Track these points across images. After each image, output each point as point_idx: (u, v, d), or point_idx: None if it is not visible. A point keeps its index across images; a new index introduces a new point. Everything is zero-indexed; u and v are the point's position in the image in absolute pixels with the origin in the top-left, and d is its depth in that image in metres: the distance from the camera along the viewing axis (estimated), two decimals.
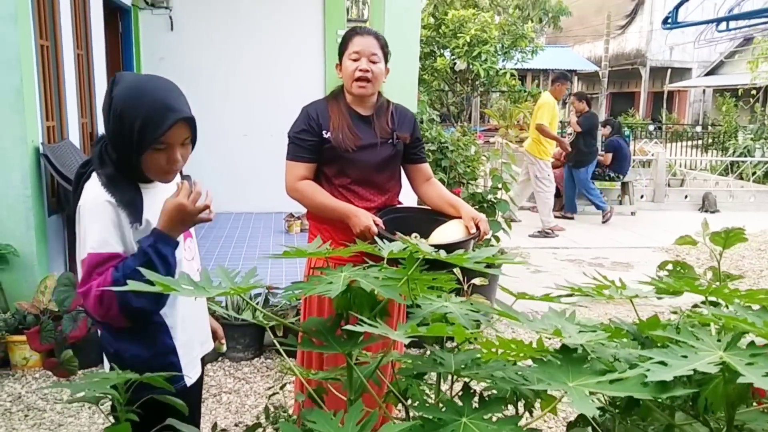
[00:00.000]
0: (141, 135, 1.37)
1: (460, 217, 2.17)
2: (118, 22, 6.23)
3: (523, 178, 7.25)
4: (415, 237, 2.15)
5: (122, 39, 6.32)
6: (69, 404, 2.84)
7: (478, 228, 2.08)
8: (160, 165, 1.43)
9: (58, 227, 3.94)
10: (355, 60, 2.10)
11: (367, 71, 2.09)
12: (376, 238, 1.34)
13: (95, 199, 1.39)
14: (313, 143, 2.11)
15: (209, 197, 1.45)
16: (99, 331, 1.56)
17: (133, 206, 1.42)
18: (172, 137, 1.41)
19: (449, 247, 2.03)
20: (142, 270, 1.01)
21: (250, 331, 3.31)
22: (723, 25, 6.76)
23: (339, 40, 7.28)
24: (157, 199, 1.50)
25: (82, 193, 1.42)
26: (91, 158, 1.48)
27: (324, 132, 2.11)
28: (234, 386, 3.11)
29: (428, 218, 2.23)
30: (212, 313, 3.34)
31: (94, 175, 1.43)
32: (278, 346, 1.22)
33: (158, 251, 1.38)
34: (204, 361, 1.69)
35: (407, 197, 2.41)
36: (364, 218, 2.02)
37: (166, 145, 1.41)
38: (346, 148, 2.10)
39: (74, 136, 4.48)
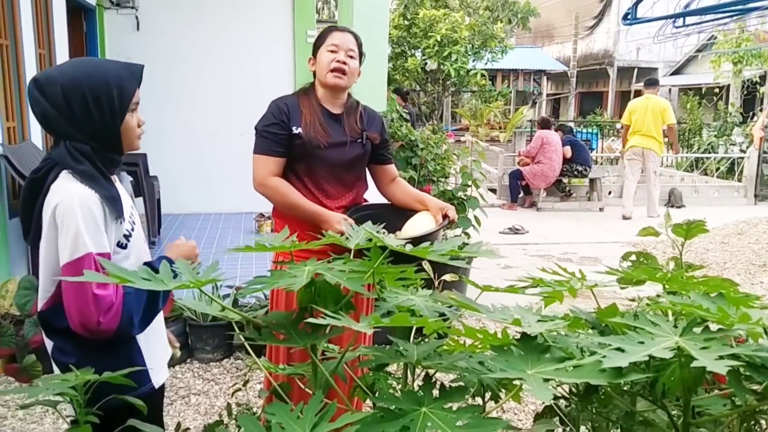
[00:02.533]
0: (121, 98, 1.40)
1: (428, 210, 2.19)
2: (82, 21, 6.11)
3: (634, 177, 8.13)
4: (383, 232, 2.16)
5: (87, 39, 6.20)
6: (31, 410, 2.77)
7: (446, 217, 2.12)
8: (135, 130, 1.47)
9: (20, 230, 3.84)
10: (332, 52, 2.11)
11: (344, 63, 2.10)
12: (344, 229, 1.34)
13: (82, 195, 1.34)
14: (283, 137, 2.09)
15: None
16: (51, 346, 1.47)
17: (116, 201, 1.40)
18: (137, 94, 1.46)
19: (418, 240, 2.06)
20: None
21: (219, 331, 3.27)
22: (680, 22, 6.94)
23: (309, 40, 7.22)
24: (122, 198, 1.49)
25: (55, 192, 1.36)
26: (45, 164, 1.41)
27: (294, 127, 2.10)
28: (203, 387, 3.07)
29: (396, 214, 2.25)
30: (180, 315, 3.29)
31: (64, 174, 1.37)
32: (243, 341, 1.21)
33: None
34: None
35: (373, 198, 2.41)
36: (336, 223, 2.01)
37: (136, 104, 1.46)
38: (318, 144, 2.09)
39: (36, 137, 4.38)
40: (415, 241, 2.05)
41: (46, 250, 1.39)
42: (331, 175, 2.16)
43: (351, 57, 2.13)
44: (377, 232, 2.17)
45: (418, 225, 2.13)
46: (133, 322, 1.38)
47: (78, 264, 1.32)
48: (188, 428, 1.60)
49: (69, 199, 1.34)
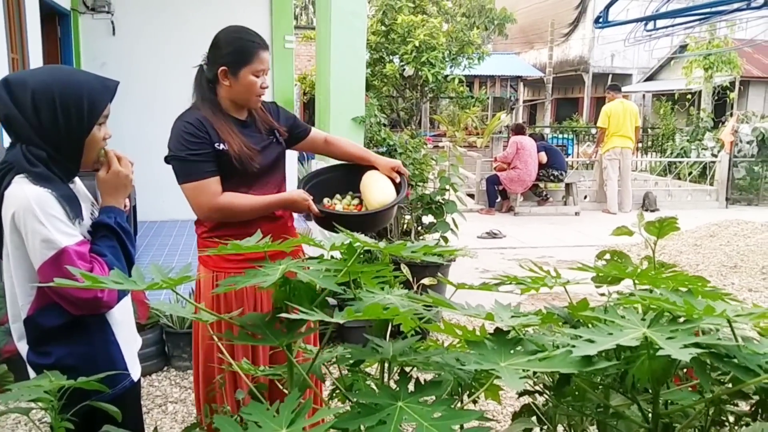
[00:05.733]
0: (91, 111, 1.39)
1: (374, 167, 2.25)
2: (57, 26, 6.04)
3: (616, 176, 8.78)
4: (351, 195, 2.22)
5: (61, 44, 6.12)
6: (3, 420, 2.72)
7: (401, 174, 2.20)
8: (99, 144, 1.45)
9: None
10: (257, 76, 1.98)
11: (266, 88, 2.03)
12: (322, 231, 1.35)
13: (36, 195, 1.32)
14: (211, 154, 1.94)
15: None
16: (26, 351, 1.45)
17: (73, 201, 1.39)
18: (108, 109, 1.45)
19: (391, 208, 2.12)
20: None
21: None
22: (651, 25, 7.11)
23: (287, 45, 7.14)
24: (80, 197, 1.49)
25: (10, 199, 1.33)
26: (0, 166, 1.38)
27: (217, 144, 1.94)
28: (180, 395, 3.04)
29: (347, 172, 2.30)
30: (156, 322, 3.25)
31: (17, 179, 1.34)
32: (218, 342, 1.21)
33: (121, 226, 1.45)
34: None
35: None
36: (301, 201, 2.01)
37: (105, 118, 1.44)
38: (251, 168, 1.98)
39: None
40: (389, 207, 2.12)
41: (15, 258, 1.37)
42: (260, 182, 2.04)
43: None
44: (349, 197, 2.23)
45: (381, 186, 2.17)
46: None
47: (54, 263, 1.31)
48: None
49: (25, 202, 1.32)
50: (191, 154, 1.93)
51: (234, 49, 1.99)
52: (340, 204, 2.22)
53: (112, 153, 1.49)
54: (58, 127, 1.36)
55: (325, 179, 2.27)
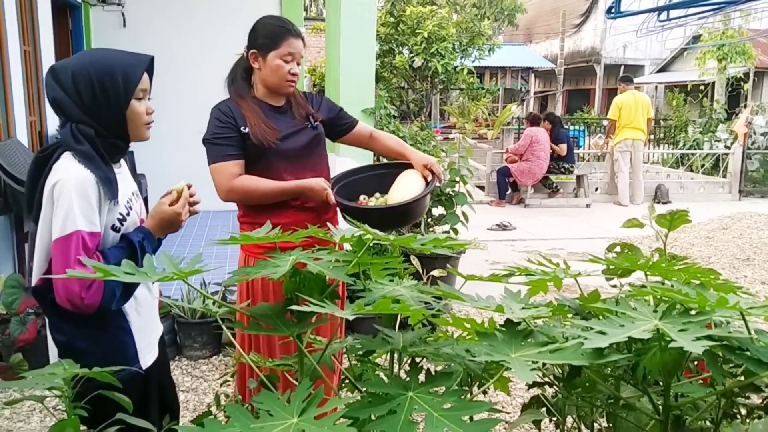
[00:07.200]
0: (126, 83, 1.47)
1: (409, 163, 2.24)
2: (68, 18, 6.06)
3: (627, 168, 8.69)
4: (377, 197, 2.19)
5: (72, 36, 6.15)
6: (18, 408, 2.76)
7: (433, 174, 2.17)
8: (142, 116, 1.52)
9: (5, 228, 3.81)
10: (287, 61, 2.05)
11: (297, 75, 2.09)
12: (334, 225, 1.36)
13: (79, 175, 1.41)
14: (236, 138, 2.03)
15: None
16: (47, 320, 1.53)
17: (111, 183, 1.45)
18: (145, 82, 1.52)
19: (413, 203, 2.09)
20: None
21: (208, 328, 3.27)
22: (664, 15, 7.03)
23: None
24: (122, 183, 1.54)
25: (56, 171, 1.43)
26: (52, 144, 1.49)
27: (243, 128, 2.03)
28: (192, 384, 3.07)
29: (380, 173, 2.28)
30: (168, 312, 3.28)
31: (66, 155, 1.45)
32: (228, 333, 1.22)
33: (144, 249, 1.49)
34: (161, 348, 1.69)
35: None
36: (319, 189, 2.02)
37: (143, 92, 1.51)
38: (268, 144, 2.03)
39: (22, 134, 4.34)
40: (409, 204, 2.09)
41: (42, 226, 1.44)
42: (292, 165, 2.09)
43: (299, 64, 2.10)
44: (375, 198, 2.23)
45: (408, 186, 2.14)
46: (116, 294, 1.43)
47: (66, 240, 1.38)
48: (176, 421, 1.61)
49: (67, 177, 1.40)
50: (216, 136, 2.05)
51: (264, 34, 2.09)
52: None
53: (188, 194, 1.59)
54: (97, 102, 1.46)
55: (356, 179, 2.24)
